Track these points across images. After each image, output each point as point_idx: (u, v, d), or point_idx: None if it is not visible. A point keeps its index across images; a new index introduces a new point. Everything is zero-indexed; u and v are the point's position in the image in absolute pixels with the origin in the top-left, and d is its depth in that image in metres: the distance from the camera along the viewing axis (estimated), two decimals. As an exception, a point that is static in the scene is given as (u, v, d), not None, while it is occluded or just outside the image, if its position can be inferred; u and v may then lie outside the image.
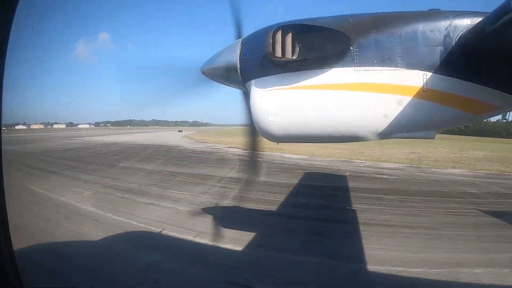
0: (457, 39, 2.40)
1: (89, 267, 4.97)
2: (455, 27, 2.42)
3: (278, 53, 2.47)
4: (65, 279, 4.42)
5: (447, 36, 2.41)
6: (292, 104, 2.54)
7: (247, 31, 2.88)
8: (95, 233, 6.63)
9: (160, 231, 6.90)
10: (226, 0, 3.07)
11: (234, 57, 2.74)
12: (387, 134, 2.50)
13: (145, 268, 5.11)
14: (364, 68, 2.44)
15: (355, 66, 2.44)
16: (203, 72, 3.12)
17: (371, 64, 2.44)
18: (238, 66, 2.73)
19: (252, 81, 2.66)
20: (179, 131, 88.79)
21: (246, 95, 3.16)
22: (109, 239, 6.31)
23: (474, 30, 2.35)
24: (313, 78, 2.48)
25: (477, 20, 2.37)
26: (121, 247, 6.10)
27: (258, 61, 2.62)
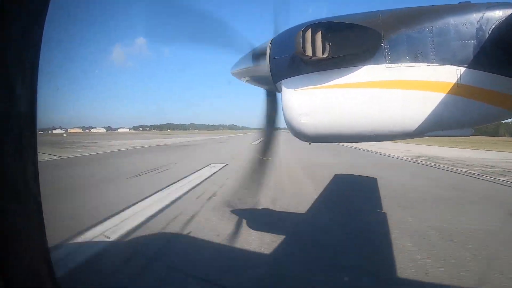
0: (489, 32, 2.35)
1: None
2: (487, 19, 2.36)
3: (308, 52, 2.42)
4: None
5: (479, 29, 2.36)
6: (323, 103, 2.51)
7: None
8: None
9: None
10: (269, 4, 2.96)
11: (264, 57, 2.70)
12: (420, 132, 2.47)
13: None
14: (396, 64, 2.39)
15: (386, 63, 2.40)
16: (233, 74, 3.09)
17: (403, 60, 2.39)
18: (268, 66, 2.70)
19: (283, 81, 2.62)
20: None
21: (269, 95, 3.12)
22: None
23: (507, 22, 2.30)
24: (345, 77, 2.44)
25: (509, 11, 2.32)
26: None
27: (288, 61, 2.57)
